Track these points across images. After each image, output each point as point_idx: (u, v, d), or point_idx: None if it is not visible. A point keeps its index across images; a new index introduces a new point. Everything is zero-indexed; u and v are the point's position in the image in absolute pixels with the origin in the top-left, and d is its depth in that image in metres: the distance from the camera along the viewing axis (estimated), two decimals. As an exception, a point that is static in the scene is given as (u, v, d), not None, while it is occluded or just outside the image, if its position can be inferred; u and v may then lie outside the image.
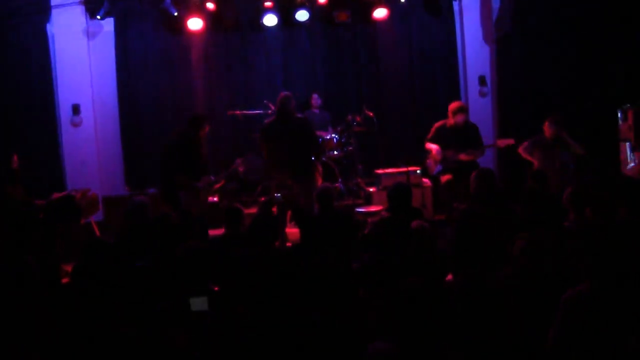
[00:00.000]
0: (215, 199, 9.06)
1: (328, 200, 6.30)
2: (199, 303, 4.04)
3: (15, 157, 8.00)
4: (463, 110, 8.47)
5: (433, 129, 8.64)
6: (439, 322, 3.10)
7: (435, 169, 8.59)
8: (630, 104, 8.90)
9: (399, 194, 5.98)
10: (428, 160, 8.73)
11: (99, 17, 9.82)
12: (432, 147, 8.52)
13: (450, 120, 8.48)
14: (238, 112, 9.96)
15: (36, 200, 7.95)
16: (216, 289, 4.41)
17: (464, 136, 8.45)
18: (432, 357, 3.03)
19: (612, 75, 9.81)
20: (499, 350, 3.55)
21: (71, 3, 9.99)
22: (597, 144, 9.15)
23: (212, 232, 6.84)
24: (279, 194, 9.53)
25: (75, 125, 10.21)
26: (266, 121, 8.15)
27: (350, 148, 9.78)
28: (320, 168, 8.45)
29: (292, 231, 7.67)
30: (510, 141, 8.46)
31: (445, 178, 8.42)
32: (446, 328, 3.35)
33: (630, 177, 8.51)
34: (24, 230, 6.55)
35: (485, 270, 4.27)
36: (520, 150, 8.41)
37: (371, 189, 9.32)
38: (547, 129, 8.21)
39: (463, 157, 8.35)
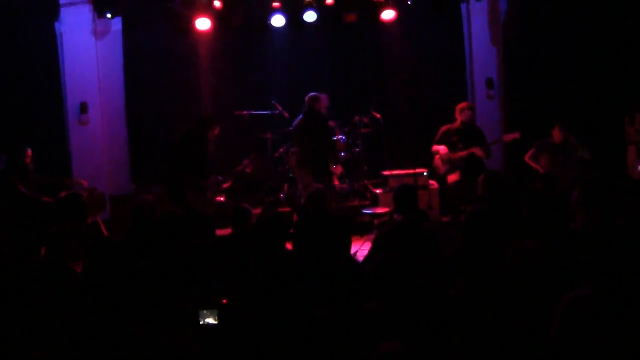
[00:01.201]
0: (222, 198, 9.08)
1: (319, 201, 6.28)
2: (208, 316, 4.04)
3: (29, 152, 8.05)
4: (470, 108, 8.57)
5: (440, 132, 8.68)
6: (445, 324, 3.11)
7: (443, 168, 8.61)
8: (637, 108, 8.89)
9: (404, 195, 5.97)
10: (436, 162, 8.75)
11: (109, 15, 9.85)
12: (440, 148, 8.56)
13: (457, 122, 8.54)
14: (245, 112, 9.97)
15: (44, 198, 7.97)
16: (224, 301, 4.41)
17: (470, 138, 8.48)
18: (439, 358, 3.03)
19: (619, 78, 9.79)
20: (503, 351, 3.54)
21: (79, 2, 10.02)
22: (603, 147, 9.14)
23: (219, 232, 6.85)
24: (283, 195, 9.58)
25: (82, 123, 10.24)
26: (296, 122, 8.58)
27: (357, 149, 9.79)
28: (334, 170, 8.66)
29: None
30: (516, 135, 8.48)
31: (452, 179, 8.45)
32: (451, 329, 3.36)
33: (636, 181, 8.48)
34: (35, 229, 6.56)
35: (490, 272, 4.27)
36: (527, 158, 8.45)
37: (377, 191, 9.31)
38: (556, 133, 8.25)
39: (476, 150, 8.37)
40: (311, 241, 5.69)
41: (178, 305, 4.31)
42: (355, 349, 3.68)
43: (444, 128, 8.69)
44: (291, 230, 6.39)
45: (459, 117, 8.54)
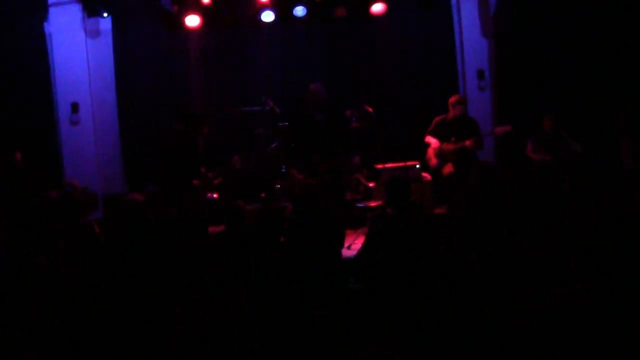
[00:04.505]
0: (215, 196, 9.05)
1: (308, 197, 6.26)
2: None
3: (18, 155, 8.03)
4: (462, 102, 8.60)
5: (433, 123, 8.73)
6: (441, 321, 3.10)
7: (435, 161, 8.62)
8: (629, 97, 8.90)
9: (396, 187, 5.97)
10: (428, 155, 8.76)
11: (105, 15, 9.85)
12: (432, 140, 8.59)
13: (450, 114, 8.57)
14: (236, 108, 9.94)
15: (35, 198, 7.95)
16: None
17: (463, 129, 8.53)
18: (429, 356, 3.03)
19: (611, 69, 9.79)
20: (503, 351, 3.54)
21: (69, 1, 9.99)
22: (595, 138, 9.14)
23: (212, 229, 6.84)
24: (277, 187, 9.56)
25: (74, 123, 10.22)
26: None
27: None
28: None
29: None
30: (508, 128, 8.50)
31: (447, 171, 8.48)
32: (448, 327, 3.36)
33: (629, 170, 8.50)
34: (30, 230, 6.55)
35: (484, 263, 4.27)
36: (530, 153, 8.48)
37: (370, 184, 9.31)
38: (547, 124, 8.28)
39: (468, 144, 8.38)
40: (304, 237, 5.70)
41: (174, 306, 4.31)
42: (347, 347, 3.68)
43: (437, 119, 8.74)
44: (285, 226, 6.40)
45: (451, 110, 8.57)
